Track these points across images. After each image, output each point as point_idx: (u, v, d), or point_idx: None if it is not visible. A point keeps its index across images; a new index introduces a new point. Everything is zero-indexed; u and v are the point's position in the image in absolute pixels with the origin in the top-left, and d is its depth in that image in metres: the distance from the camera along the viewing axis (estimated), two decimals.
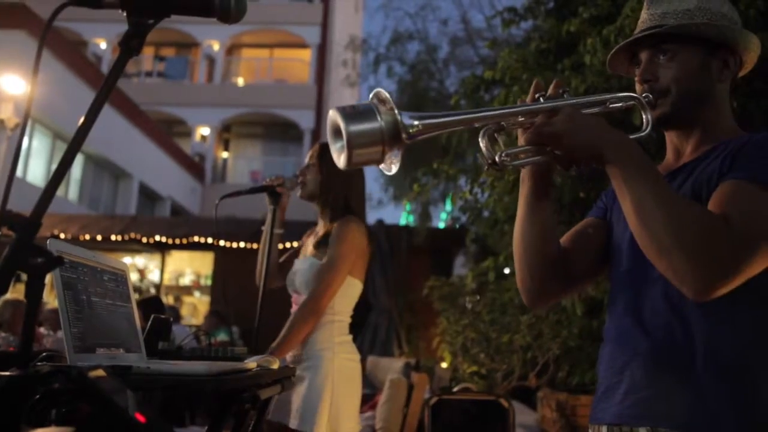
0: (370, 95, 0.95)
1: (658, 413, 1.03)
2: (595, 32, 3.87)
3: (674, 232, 0.95)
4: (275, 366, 1.73)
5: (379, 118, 0.91)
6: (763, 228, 0.95)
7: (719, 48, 1.16)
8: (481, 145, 1.04)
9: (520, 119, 1.08)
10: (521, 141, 1.10)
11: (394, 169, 0.95)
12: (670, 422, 1.01)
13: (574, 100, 1.08)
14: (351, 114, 0.91)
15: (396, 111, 0.92)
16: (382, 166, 0.96)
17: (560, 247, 1.23)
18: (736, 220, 0.96)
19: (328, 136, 0.95)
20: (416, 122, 0.94)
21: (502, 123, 1.07)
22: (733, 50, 1.16)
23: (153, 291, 10.80)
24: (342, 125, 0.90)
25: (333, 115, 0.92)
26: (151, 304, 4.39)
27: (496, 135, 1.07)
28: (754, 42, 1.18)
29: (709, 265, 0.93)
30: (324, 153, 2.36)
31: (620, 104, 1.14)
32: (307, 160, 2.41)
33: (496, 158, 1.03)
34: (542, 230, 1.19)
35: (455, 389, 4.56)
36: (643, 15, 1.22)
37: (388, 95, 0.92)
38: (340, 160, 0.93)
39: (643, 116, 1.13)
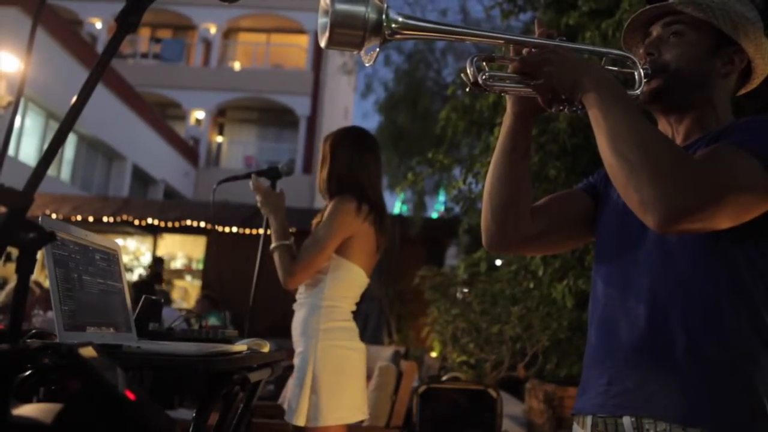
0: None
1: (641, 403, 1.03)
2: (594, 26, 3.85)
3: (646, 152, 0.94)
4: (265, 349, 1.73)
5: (366, 4, 0.94)
6: (733, 179, 0.95)
7: (731, 44, 1.14)
8: (468, 68, 1.06)
9: (512, 55, 1.10)
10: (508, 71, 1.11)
11: (371, 61, 0.98)
12: (654, 412, 1.01)
13: (567, 44, 1.09)
14: None
15: (386, 4, 0.96)
16: (361, 54, 0.99)
17: (531, 201, 1.24)
18: (709, 164, 0.96)
19: (319, 16, 0.98)
20: (400, 18, 0.98)
21: (493, 54, 1.10)
22: (742, 50, 1.14)
23: (143, 272, 10.77)
24: (329, 2, 0.94)
25: None
26: (141, 287, 4.38)
27: (485, 64, 1.09)
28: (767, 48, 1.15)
29: (676, 191, 0.92)
30: (335, 140, 2.31)
31: (615, 68, 1.13)
32: (321, 154, 2.33)
33: (479, 79, 1.06)
34: (513, 173, 1.19)
35: (444, 378, 4.59)
36: None
37: None
38: (322, 38, 0.97)
39: (636, 75, 1.13)
